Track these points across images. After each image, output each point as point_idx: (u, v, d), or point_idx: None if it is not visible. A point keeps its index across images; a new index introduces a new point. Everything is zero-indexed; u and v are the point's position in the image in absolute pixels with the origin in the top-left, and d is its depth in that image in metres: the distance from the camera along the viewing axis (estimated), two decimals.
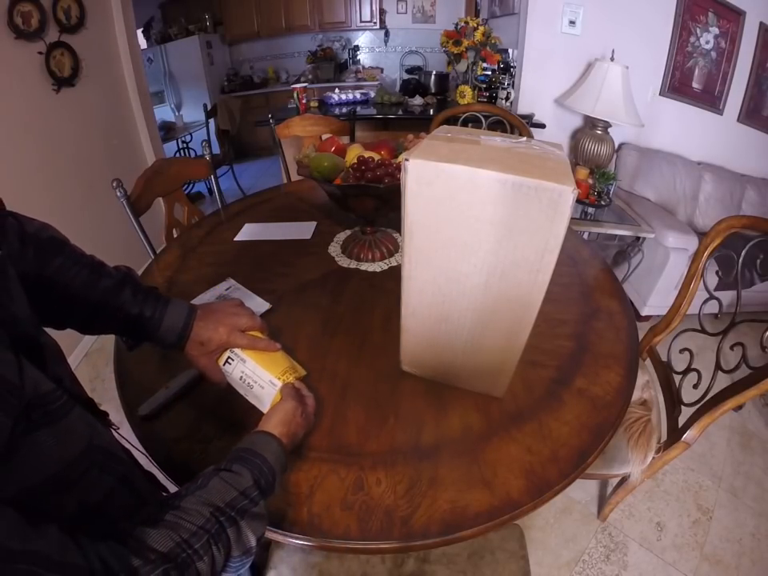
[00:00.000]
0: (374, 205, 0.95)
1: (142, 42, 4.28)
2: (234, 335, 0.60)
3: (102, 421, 0.50)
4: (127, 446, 0.54)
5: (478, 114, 1.77)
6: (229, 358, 0.61)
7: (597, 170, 2.07)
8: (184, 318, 0.60)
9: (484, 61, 2.36)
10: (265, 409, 0.61)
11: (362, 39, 4.83)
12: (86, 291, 0.56)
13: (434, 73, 2.75)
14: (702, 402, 0.92)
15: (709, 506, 1.44)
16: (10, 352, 0.32)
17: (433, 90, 2.72)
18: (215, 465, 0.48)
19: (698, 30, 2.19)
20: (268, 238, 1.17)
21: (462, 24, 2.41)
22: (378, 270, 1.03)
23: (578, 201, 1.98)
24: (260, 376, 0.60)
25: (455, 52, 2.41)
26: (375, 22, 4.53)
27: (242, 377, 0.61)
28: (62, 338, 0.49)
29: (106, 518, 0.40)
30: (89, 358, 1.97)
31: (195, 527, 0.39)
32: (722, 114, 2.34)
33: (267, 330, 0.65)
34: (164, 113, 4.20)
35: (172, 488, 0.59)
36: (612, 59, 1.99)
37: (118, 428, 0.55)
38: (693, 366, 1.05)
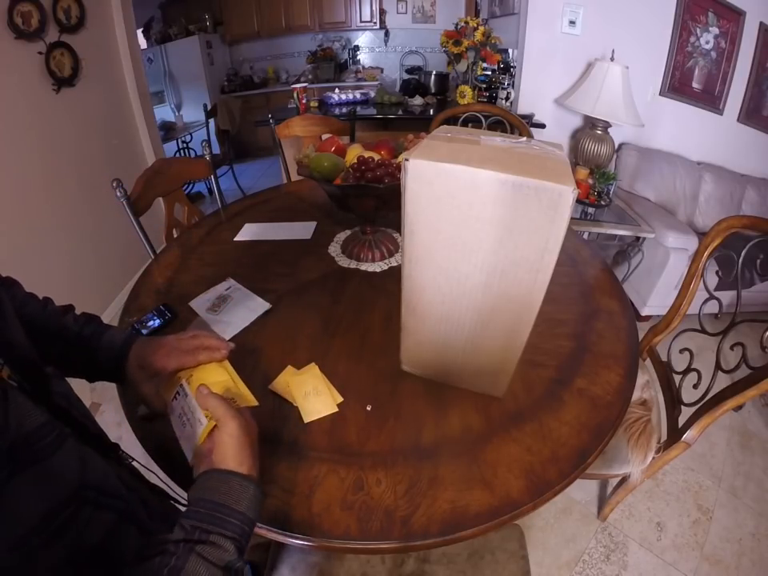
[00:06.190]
0: (374, 205, 0.95)
1: (142, 42, 4.28)
2: (176, 357, 0.54)
3: (111, 453, 0.49)
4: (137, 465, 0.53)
5: (478, 114, 1.77)
6: (177, 392, 0.51)
7: (597, 170, 2.07)
8: (124, 337, 0.57)
9: (484, 61, 2.36)
10: (188, 455, 0.48)
11: (362, 39, 4.82)
12: (37, 317, 0.56)
13: (434, 73, 2.74)
14: (702, 402, 0.92)
15: (709, 506, 1.44)
16: None
17: (433, 90, 2.72)
18: (184, 531, 0.40)
19: (698, 30, 2.19)
20: (268, 238, 1.17)
21: (462, 24, 2.41)
22: (378, 270, 1.03)
23: (578, 201, 1.98)
24: (193, 412, 0.48)
25: (455, 52, 2.41)
26: (375, 22, 4.53)
27: (180, 413, 0.50)
28: None
29: (112, 558, 0.37)
30: None
31: None
32: (722, 114, 2.34)
33: (229, 353, 0.56)
34: (164, 113, 4.20)
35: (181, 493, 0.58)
36: (612, 59, 1.99)
37: (133, 459, 0.54)
38: (693, 366, 1.05)
